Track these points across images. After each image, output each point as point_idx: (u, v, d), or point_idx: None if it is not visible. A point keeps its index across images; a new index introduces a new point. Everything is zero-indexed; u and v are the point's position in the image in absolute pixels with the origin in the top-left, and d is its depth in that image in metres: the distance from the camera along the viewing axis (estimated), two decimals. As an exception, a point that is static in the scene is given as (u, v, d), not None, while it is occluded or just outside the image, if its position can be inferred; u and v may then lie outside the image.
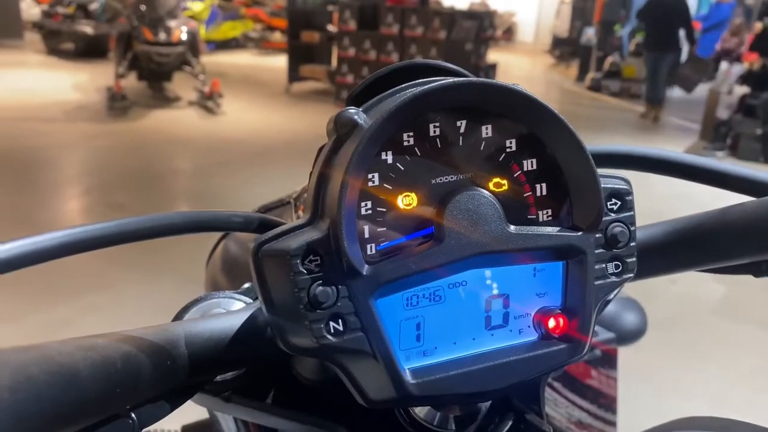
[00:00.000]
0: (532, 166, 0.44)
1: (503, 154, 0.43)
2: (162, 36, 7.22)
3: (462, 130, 0.42)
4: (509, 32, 19.71)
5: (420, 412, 0.49)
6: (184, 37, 7.35)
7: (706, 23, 12.96)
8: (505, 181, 0.44)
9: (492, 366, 0.43)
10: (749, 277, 0.53)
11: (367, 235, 0.41)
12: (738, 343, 3.11)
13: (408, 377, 0.41)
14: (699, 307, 3.43)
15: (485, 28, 8.21)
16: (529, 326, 0.45)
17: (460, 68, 0.46)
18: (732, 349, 3.03)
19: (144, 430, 0.42)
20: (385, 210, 0.41)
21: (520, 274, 0.44)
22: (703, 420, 0.50)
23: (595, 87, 10.95)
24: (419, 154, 0.42)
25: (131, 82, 7.69)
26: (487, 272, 0.43)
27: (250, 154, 5.94)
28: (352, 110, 0.41)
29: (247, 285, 0.59)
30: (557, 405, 1.15)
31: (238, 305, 0.55)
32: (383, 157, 0.41)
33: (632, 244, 0.45)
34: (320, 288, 0.39)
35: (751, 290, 3.52)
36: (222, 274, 0.81)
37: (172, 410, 0.44)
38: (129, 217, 0.40)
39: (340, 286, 0.39)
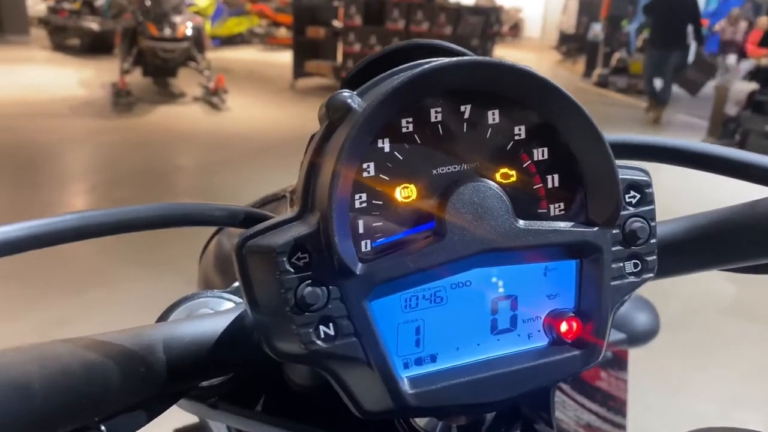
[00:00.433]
0: (543, 156, 0.40)
1: (511, 142, 0.40)
2: (167, 32, 7.21)
3: (466, 115, 0.39)
4: (516, 28, 19.62)
5: (420, 421, 0.46)
6: (189, 32, 7.33)
7: (713, 19, 12.86)
8: (513, 172, 0.40)
9: (498, 374, 0.39)
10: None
11: (361, 231, 0.37)
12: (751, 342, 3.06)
13: (406, 387, 0.37)
14: (707, 305, 3.38)
15: (491, 24, 8.17)
16: (539, 330, 0.41)
17: (464, 49, 0.42)
18: (743, 349, 2.99)
19: None
20: (381, 203, 0.38)
21: (529, 273, 0.41)
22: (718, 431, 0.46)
23: (602, 83, 10.89)
24: (419, 141, 0.38)
25: (136, 77, 7.68)
26: (493, 271, 0.40)
27: (255, 150, 5.92)
28: (346, 93, 0.38)
29: (237, 283, 0.56)
30: (565, 407, 1.11)
31: (227, 305, 0.52)
32: (379, 145, 0.37)
33: (652, 240, 0.42)
34: (309, 288, 0.35)
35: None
36: (215, 272, 0.78)
37: (150, 419, 0.41)
38: (91, 210, 0.36)
39: (330, 287, 0.35)
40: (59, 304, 3.01)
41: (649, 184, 0.42)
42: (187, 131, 6.46)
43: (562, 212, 0.41)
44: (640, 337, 1.04)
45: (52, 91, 7.76)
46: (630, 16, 12.12)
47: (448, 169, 0.39)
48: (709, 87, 8.97)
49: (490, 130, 0.39)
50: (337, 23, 9.14)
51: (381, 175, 0.37)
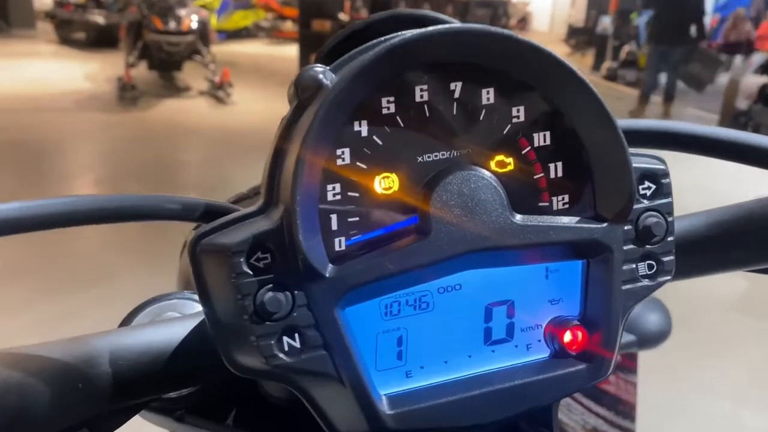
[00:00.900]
0: (544, 141, 0.35)
1: (508, 126, 0.35)
2: (172, 25, 7.17)
3: (456, 94, 0.34)
4: (524, 21, 19.48)
5: None
6: (194, 26, 7.29)
7: (724, 12, 12.70)
8: (510, 160, 0.35)
9: (493, 391, 0.34)
10: None
11: (334, 227, 0.32)
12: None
13: (384, 407, 0.32)
14: (715, 302, 3.31)
15: (499, 17, 8.11)
16: (539, 341, 0.37)
17: (453, 19, 0.37)
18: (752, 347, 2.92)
19: None
20: (357, 195, 0.33)
21: (528, 276, 0.36)
22: None
23: (611, 76, 10.80)
24: (402, 124, 0.33)
25: (142, 71, 7.65)
26: (487, 273, 0.35)
27: (260, 144, 5.87)
28: (318, 68, 0.33)
29: None
30: (571, 411, 1.06)
31: (196, 308, 0.47)
32: (356, 128, 0.32)
33: (669, 238, 0.37)
34: (270, 294, 0.30)
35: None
36: None
37: None
38: (19, 201, 0.31)
39: (295, 292, 0.31)
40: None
41: (665, 174, 0.37)
42: (193, 125, 6.43)
43: (566, 206, 0.36)
44: (651, 339, 0.98)
45: (57, 85, 7.74)
46: (639, 9, 11.98)
47: (436, 156, 0.34)
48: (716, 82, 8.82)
49: (483, 111, 0.34)
50: (343, 16, 9.09)
51: (357, 163, 0.33)
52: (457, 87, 0.34)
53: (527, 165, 0.35)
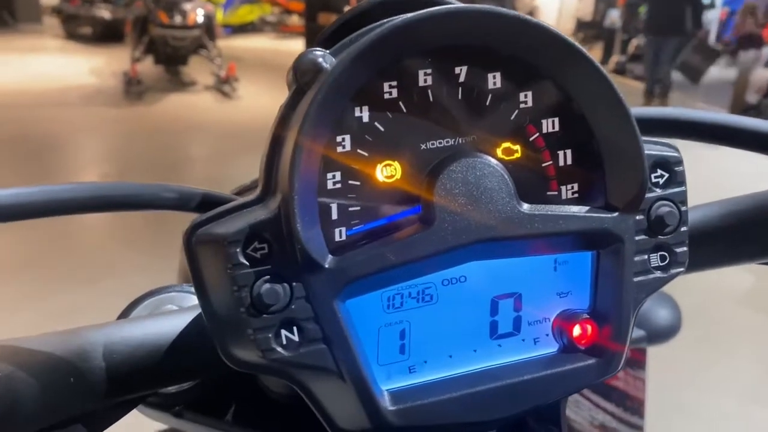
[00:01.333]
0: (553, 128, 0.34)
1: (516, 111, 0.34)
2: (177, 19, 7.16)
3: (462, 79, 0.33)
4: (531, 15, 19.38)
5: None
6: (200, 20, 7.28)
7: (734, 6, 12.58)
8: (517, 147, 0.34)
9: (499, 387, 0.33)
10: None
11: (335, 217, 0.31)
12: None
13: (386, 402, 0.31)
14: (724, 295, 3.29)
15: (506, 11, 8.03)
16: (547, 335, 0.36)
17: (461, 3, 0.36)
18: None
19: None
20: (359, 183, 0.32)
21: (536, 267, 0.35)
22: None
23: (620, 70, 10.74)
24: (405, 110, 0.32)
25: (148, 66, 7.65)
26: (493, 265, 0.34)
27: (266, 139, 5.86)
28: (318, 51, 0.31)
29: None
30: (579, 407, 1.05)
31: (194, 301, 0.46)
32: (357, 114, 0.31)
33: (683, 228, 0.35)
34: (267, 285, 0.29)
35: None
36: None
37: None
38: (15, 188, 0.30)
39: (294, 283, 0.29)
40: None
41: (679, 161, 0.35)
42: (199, 120, 6.43)
43: (576, 195, 0.35)
44: (661, 334, 0.97)
45: (64, 80, 7.75)
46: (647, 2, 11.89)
47: (440, 143, 0.32)
48: (712, 75, 8.66)
49: (490, 96, 0.33)
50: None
51: (359, 150, 0.31)
52: (462, 71, 0.33)
53: (535, 152, 0.34)
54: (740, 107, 7.22)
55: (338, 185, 0.31)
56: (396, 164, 0.32)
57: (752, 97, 7.18)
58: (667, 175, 0.35)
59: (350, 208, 0.31)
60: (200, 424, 0.43)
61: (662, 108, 0.41)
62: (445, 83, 0.32)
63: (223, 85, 7.40)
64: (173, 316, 0.39)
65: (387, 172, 0.32)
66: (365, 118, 0.31)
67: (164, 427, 0.52)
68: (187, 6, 7.27)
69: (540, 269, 0.35)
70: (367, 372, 0.31)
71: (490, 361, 0.34)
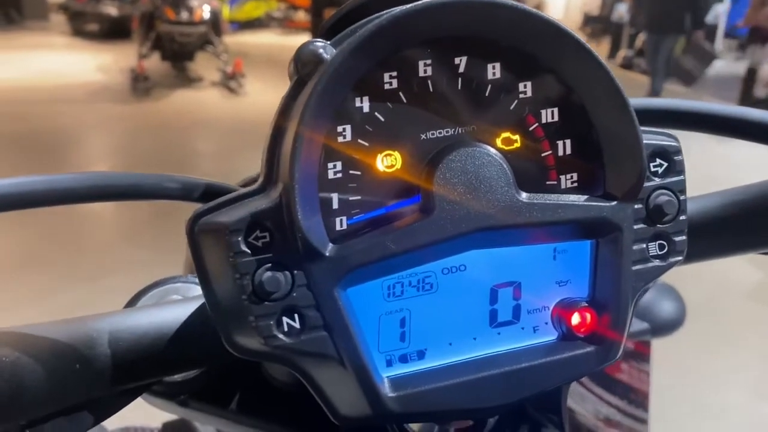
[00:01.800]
0: (552, 118, 0.34)
1: (515, 101, 0.34)
2: (184, 15, 7.17)
3: (461, 69, 0.33)
4: (538, 9, 19.31)
5: (414, 424, 0.40)
6: (206, 16, 7.29)
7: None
8: (517, 137, 0.34)
9: (498, 374, 0.33)
10: None
11: (335, 206, 0.32)
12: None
13: (386, 389, 0.32)
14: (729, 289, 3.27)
15: (512, 5, 7.98)
16: (546, 323, 0.36)
17: None
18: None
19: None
20: (359, 173, 0.32)
21: (535, 256, 0.35)
22: None
23: (627, 65, 10.69)
24: (405, 100, 0.32)
25: (155, 62, 7.67)
26: (492, 254, 0.34)
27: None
28: (318, 43, 0.32)
29: None
30: (584, 400, 1.05)
31: (199, 291, 0.46)
32: (357, 104, 0.32)
33: (682, 217, 0.35)
34: (269, 273, 0.30)
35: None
36: None
37: (99, 420, 0.36)
38: (19, 177, 0.31)
39: (295, 271, 0.30)
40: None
41: (678, 151, 0.36)
42: (205, 116, 6.44)
43: (575, 184, 0.35)
44: (664, 327, 0.97)
45: (71, 77, 7.78)
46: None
47: (440, 133, 0.33)
48: (720, 69, 8.51)
49: (489, 86, 0.33)
50: (355, 5, 9.03)
51: (359, 140, 0.32)
52: (462, 61, 0.33)
53: (534, 142, 0.34)
54: (749, 101, 7.16)
55: (339, 175, 0.32)
56: (396, 154, 0.32)
57: (761, 91, 7.12)
58: (665, 164, 0.35)
59: (351, 198, 0.32)
60: (205, 413, 0.44)
61: (662, 99, 0.41)
62: (444, 73, 0.33)
63: (230, 81, 7.41)
64: (178, 305, 0.39)
65: (387, 161, 0.32)
66: (366, 109, 0.32)
67: (170, 416, 0.52)
68: (194, 2, 7.28)
69: (539, 258, 0.35)
70: (368, 359, 0.31)
71: (489, 348, 0.35)
